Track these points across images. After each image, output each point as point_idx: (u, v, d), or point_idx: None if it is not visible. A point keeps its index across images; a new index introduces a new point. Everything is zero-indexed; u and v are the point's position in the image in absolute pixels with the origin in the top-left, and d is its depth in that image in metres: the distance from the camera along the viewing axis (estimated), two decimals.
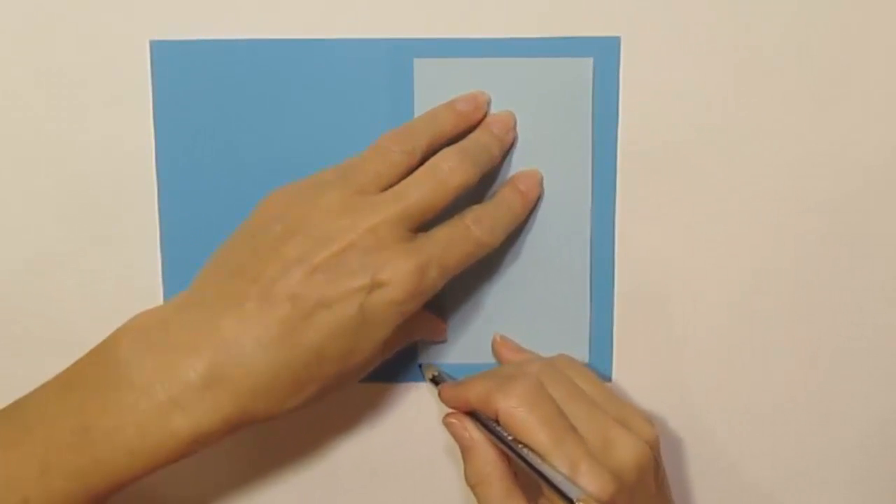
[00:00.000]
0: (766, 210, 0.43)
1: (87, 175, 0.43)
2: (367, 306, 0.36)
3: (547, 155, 0.42)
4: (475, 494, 0.38)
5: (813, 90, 0.42)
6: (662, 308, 0.44)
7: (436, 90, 0.42)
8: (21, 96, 0.42)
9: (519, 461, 0.36)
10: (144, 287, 0.43)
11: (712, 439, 0.45)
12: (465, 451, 0.38)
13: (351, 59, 0.42)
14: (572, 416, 0.37)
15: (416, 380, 0.44)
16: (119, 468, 0.35)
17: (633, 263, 0.43)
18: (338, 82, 0.42)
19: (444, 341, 0.44)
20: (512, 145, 0.42)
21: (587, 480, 0.35)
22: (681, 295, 0.44)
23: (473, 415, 0.39)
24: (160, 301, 0.43)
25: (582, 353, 0.44)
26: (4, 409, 0.37)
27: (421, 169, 0.38)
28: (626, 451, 0.37)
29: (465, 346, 0.44)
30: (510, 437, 0.37)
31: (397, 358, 0.42)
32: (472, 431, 0.38)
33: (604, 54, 0.42)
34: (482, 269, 0.42)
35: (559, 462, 0.35)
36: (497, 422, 0.37)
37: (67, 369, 0.37)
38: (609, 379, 0.44)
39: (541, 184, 0.42)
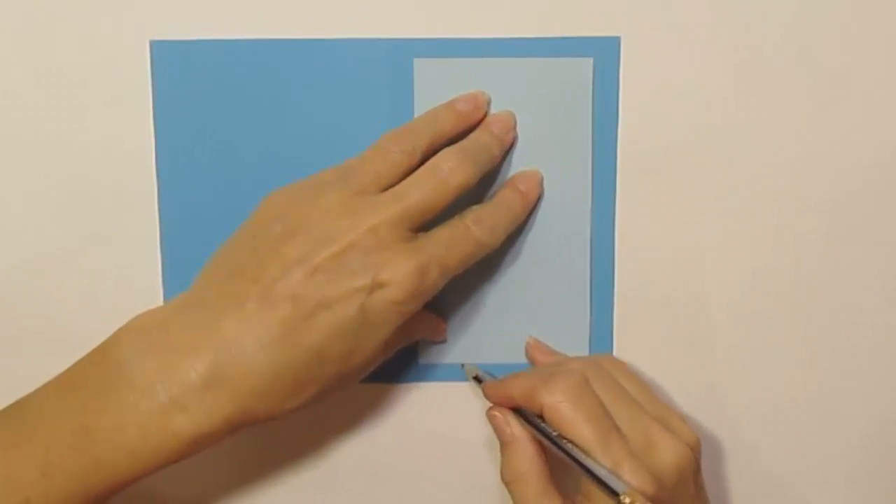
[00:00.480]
0: (766, 210, 0.43)
1: (87, 175, 0.43)
2: (367, 307, 0.36)
3: (547, 155, 0.42)
4: (510, 491, 0.38)
5: (813, 90, 0.42)
6: (662, 308, 0.44)
7: (436, 90, 0.42)
8: (21, 96, 0.42)
9: (563, 455, 0.36)
10: (144, 287, 0.43)
11: (712, 439, 0.45)
12: (505, 445, 0.39)
13: (351, 59, 0.42)
14: (615, 415, 0.37)
15: (416, 380, 0.44)
16: (120, 468, 0.35)
17: (633, 263, 0.43)
18: (338, 82, 0.42)
19: (444, 341, 0.44)
20: (512, 145, 0.42)
21: (628, 479, 0.35)
22: (681, 295, 0.44)
23: (517, 412, 0.39)
24: (160, 301, 0.43)
25: (582, 353, 0.44)
26: (5, 410, 0.37)
27: (421, 169, 0.38)
28: (668, 453, 0.37)
29: (465, 346, 0.44)
30: (554, 433, 0.37)
31: (397, 358, 0.42)
32: (514, 427, 0.38)
33: (604, 54, 0.42)
34: (482, 269, 0.42)
35: (602, 459, 0.36)
36: (541, 417, 0.38)
37: (68, 370, 0.37)
38: None
39: (541, 184, 0.42)
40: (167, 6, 0.41)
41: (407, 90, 0.42)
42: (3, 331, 0.44)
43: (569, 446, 0.36)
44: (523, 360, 0.44)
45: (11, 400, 0.37)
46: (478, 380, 0.42)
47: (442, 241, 0.38)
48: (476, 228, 0.38)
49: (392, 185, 0.38)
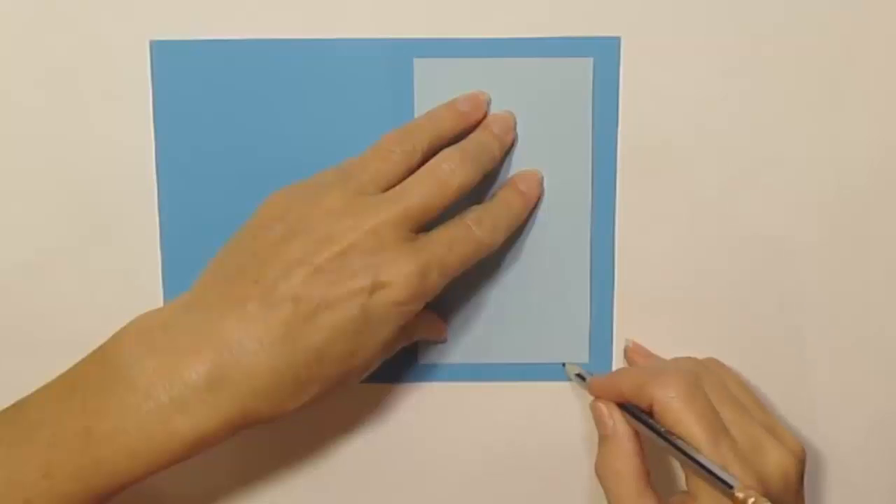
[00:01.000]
0: (767, 210, 0.43)
1: (87, 175, 0.42)
2: (368, 307, 0.36)
3: (547, 155, 0.42)
4: (605, 486, 0.38)
5: (813, 90, 0.42)
6: (662, 308, 0.44)
7: (436, 90, 0.42)
8: (21, 96, 0.42)
9: (673, 450, 0.37)
10: (144, 287, 0.43)
11: None
12: (604, 439, 0.39)
13: (351, 59, 0.42)
14: (724, 417, 0.38)
15: (416, 380, 0.44)
16: (121, 469, 0.35)
17: (633, 263, 0.43)
18: (338, 82, 0.42)
19: (444, 341, 0.44)
20: (512, 145, 0.42)
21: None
22: (680, 295, 0.44)
23: (622, 408, 0.39)
24: (160, 301, 0.43)
25: (582, 353, 0.44)
26: (6, 410, 0.37)
27: (422, 169, 0.38)
28: (775, 460, 0.37)
29: (465, 346, 0.44)
30: (663, 429, 0.37)
31: (397, 358, 0.42)
32: (618, 421, 0.39)
33: (604, 54, 0.42)
34: (482, 269, 0.42)
35: (711, 458, 0.36)
36: (648, 413, 0.38)
37: (69, 370, 0.37)
38: None
39: (541, 184, 0.42)
40: (167, 6, 0.41)
41: (407, 90, 0.42)
42: (3, 331, 0.43)
43: (679, 442, 0.36)
44: (523, 360, 0.44)
45: (12, 400, 0.37)
46: (580, 377, 0.42)
47: (443, 242, 0.38)
48: (477, 228, 0.38)
49: (393, 186, 0.38)
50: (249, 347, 0.35)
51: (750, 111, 0.42)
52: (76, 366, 0.37)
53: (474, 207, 0.39)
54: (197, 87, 0.42)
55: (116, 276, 0.43)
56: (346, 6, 0.42)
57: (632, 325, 0.44)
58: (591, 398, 0.40)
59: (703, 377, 0.39)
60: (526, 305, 0.43)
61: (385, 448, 0.45)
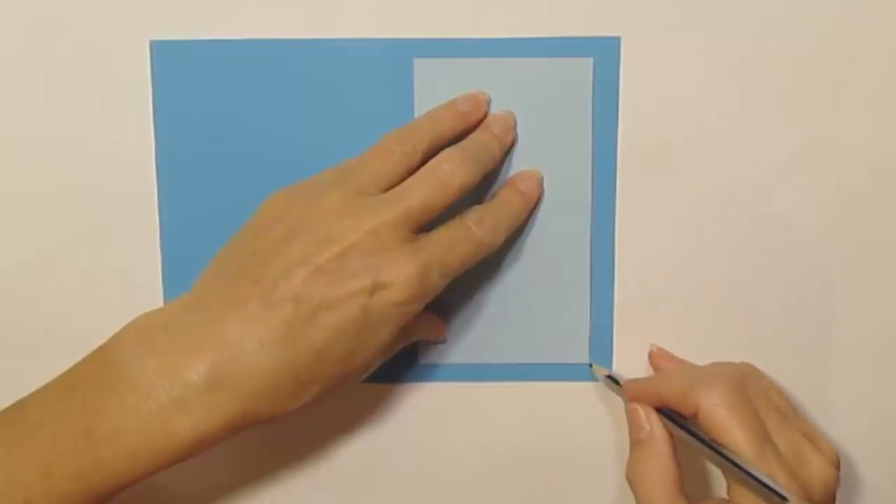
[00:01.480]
0: (766, 210, 0.43)
1: (87, 175, 0.42)
2: (369, 308, 0.36)
3: (547, 155, 0.42)
4: (635, 491, 0.38)
5: (813, 90, 0.42)
6: (662, 308, 0.44)
7: (436, 90, 0.42)
8: (21, 96, 0.42)
9: (718, 459, 0.36)
10: (144, 287, 0.43)
11: None
12: (638, 443, 0.39)
13: (351, 59, 0.42)
14: (767, 425, 0.37)
15: (416, 380, 0.44)
16: (121, 470, 0.35)
17: (633, 263, 0.43)
18: (338, 82, 0.42)
19: (444, 341, 0.44)
20: (512, 145, 0.42)
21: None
22: (680, 295, 0.44)
23: (659, 412, 0.39)
24: (160, 301, 0.43)
25: (582, 354, 0.44)
26: (5, 410, 0.37)
27: (422, 169, 0.38)
28: (818, 470, 0.37)
29: (466, 346, 0.44)
30: (706, 437, 0.37)
31: (397, 358, 0.42)
32: (655, 425, 0.38)
33: (604, 54, 0.42)
34: (482, 269, 0.42)
35: (758, 468, 0.35)
36: (691, 419, 0.37)
37: (69, 370, 0.37)
38: None
39: (541, 184, 0.42)
40: (167, 6, 0.41)
41: (407, 90, 0.42)
42: (3, 330, 0.43)
43: (725, 451, 0.36)
44: (523, 359, 0.44)
45: (12, 400, 0.37)
46: (612, 379, 0.42)
47: (443, 242, 0.38)
48: (477, 229, 0.38)
49: (393, 186, 0.38)
50: (250, 347, 0.35)
51: (750, 111, 0.42)
52: (76, 366, 0.37)
53: (474, 207, 0.39)
54: (197, 87, 0.42)
55: (116, 276, 0.43)
56: (346, 6, 0.42)
57: (632, 325, 0.44)
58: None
59: (747, 384, 0.39)
60: (526, 305, 0.43)
61: (385, 448, 0.45)
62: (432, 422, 0.44)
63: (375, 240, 0.36)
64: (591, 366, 0.44)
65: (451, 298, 0.43)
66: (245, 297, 0.36)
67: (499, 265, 0.43)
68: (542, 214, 0.43)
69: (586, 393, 0.42)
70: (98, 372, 0.36)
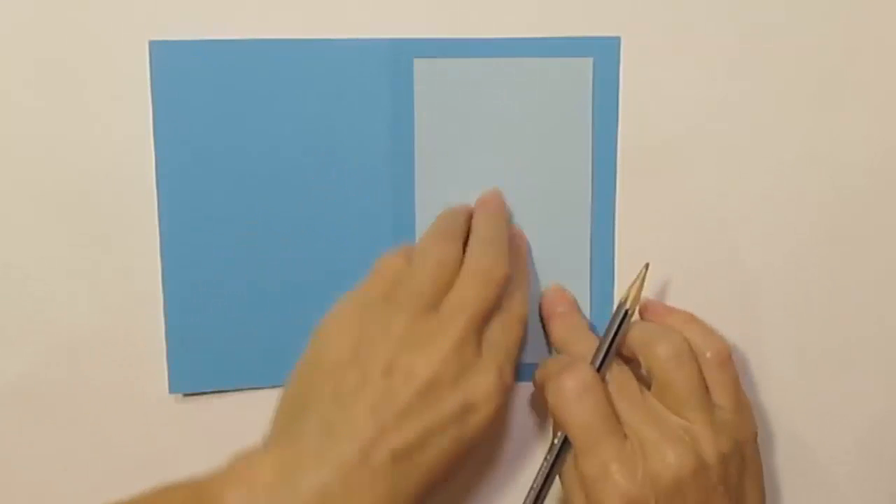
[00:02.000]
0: (766, 210, 0.43)
1: (86, 175, 0.42)
2: (464, 428, 0.36)
3: (547, 155, 0.42)
4: (571, 405, 0.38)
5: (813, 90, 0.42)
6: None
7: (436, 90, 0.42)
8: (20, 96, 0.42)
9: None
10: (144, 287, 0.43)
11: None
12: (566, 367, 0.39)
13: (351, 59, 0.42)
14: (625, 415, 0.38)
15: None
16: None
17: (633, 263, 0.43)
18: (338, 82, 0.42)
19: None
20: (511, 155, 0.42)
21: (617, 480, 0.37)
22: (680, 295, 0.44)
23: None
24: (160, 301, 0.43)
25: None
26: None
27: (466, 273, 0.38)
28: (659, 464, 0.37)
29: None
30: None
31: None
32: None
33: (604, 54, 0.42)
34: None
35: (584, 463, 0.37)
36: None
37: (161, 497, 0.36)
38: None
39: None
40: (167, 6, 0.41)
41: (407, 90, 0.42)
42: (3, 331, 0.43)
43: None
44: (525, 359, 0.44)
45: (10, 400, 0.37)
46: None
47: (497, 333, 0.38)
48: (514, 308, 0.40)
49: (447, 284, 0.38)
50: None
51: (750, 111, 0.42)
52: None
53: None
54: (196, 87, 0.42)
55: (116, 276, 0.43)
56: (346, 6, 0.41)
57: None
58: None
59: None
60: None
61: None
62: None
63: (454, 363, 0.36)
64: None
65: None
66: (346, 461, 0.34)
67: None
68: (542, 214, 0.43)
69: None
70: None
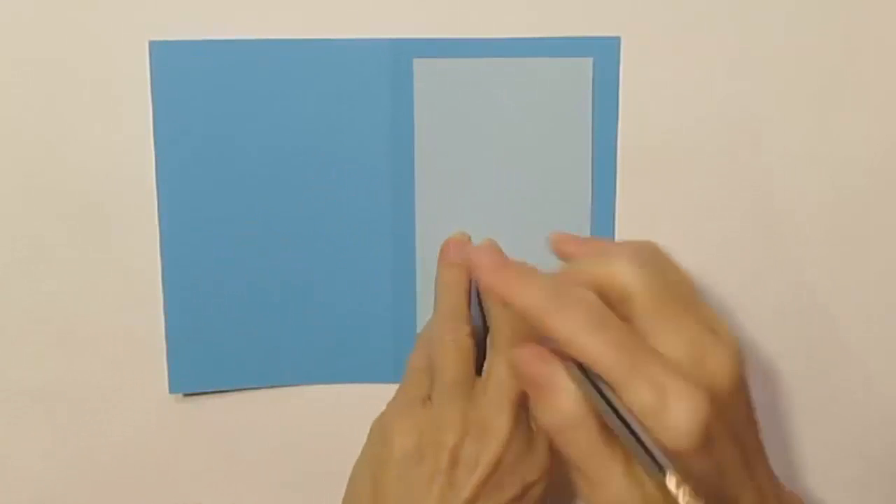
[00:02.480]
0: (766, 209, 0.43)
1: (86, 175, 0.42)
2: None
3: (547, 155, 0.42)
4: (563, 441, 0.33)
5: (813, 90, 0.42)
6: None
7: (436, 90, 0.42)
8: (20, 96, 0.42)
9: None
10: (144, 287, 0.43)
11: None
12: (542, 389, 0.33)
13: (351, 59, 0.42)
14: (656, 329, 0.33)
15: None
16: None
17: None
18: (338, 82, 0.42)
19: None
20: (511, 158, 0.42)
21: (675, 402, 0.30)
22: None
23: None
24: (160, 301, 0.43)
25: None
26: None
27: (492, 390, 0.38)
28: (717, 364, 0.32)
29: None
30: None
31: (396, 358, 0.42)
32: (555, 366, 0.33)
33: (604, 54, 0.42)
34: None
35: (629, 390, 0.31)
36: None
37: None
38: None
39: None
40: (167, 6, 0.41)
41: (407, 90, 0.42)
42: (3, 331, 0.43)
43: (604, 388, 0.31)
44: None
45: (10, 400, 0.37)
46: None
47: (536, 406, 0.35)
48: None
49: (473, 356, 0.39)
50: None
51: (750, 111, 0.42)
52: None
53: (497, 360, 0.40)
54: (196, 87, 0.42)
55: (116, 276, 0.43)
56: (346, 6, 0.41)
57: None
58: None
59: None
60: None
61: None
62: None
63: (515, 447, 0.38)
64: None
65: None
66: None
67: None
68: (542, 214, 0.43)
69: None
70: None
